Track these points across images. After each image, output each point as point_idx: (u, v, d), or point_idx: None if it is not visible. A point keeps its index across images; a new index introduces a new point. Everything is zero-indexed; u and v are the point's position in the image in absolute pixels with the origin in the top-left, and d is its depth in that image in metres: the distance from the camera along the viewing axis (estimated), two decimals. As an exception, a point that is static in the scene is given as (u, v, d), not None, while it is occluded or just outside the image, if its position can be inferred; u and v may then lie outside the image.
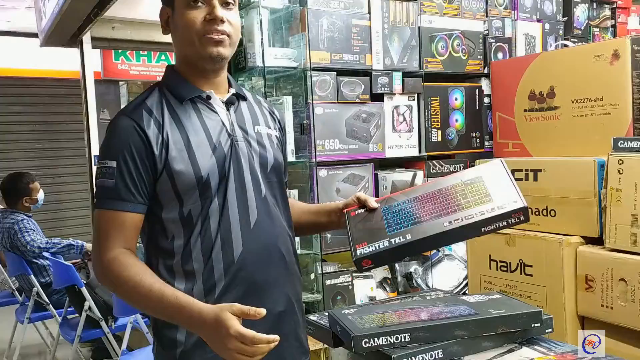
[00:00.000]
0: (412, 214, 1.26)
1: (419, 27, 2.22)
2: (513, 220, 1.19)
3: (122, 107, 1.25)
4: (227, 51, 1.22)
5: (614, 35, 2.80)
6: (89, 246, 3.82)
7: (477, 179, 1.28)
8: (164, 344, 1.21)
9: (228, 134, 1.22)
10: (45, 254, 3.59)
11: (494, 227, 1.19)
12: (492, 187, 1.25)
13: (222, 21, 1.18)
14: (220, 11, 1.18)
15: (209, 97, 1.24)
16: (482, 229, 1.20)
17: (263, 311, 1.03)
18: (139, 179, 1.15)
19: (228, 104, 1.26)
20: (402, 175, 2.18)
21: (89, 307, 3.05)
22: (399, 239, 1.21)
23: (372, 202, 1.34)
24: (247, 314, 1.03)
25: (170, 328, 1.20)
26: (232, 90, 1.28)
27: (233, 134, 1.23)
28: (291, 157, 2.03)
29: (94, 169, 5.09)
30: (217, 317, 1.02)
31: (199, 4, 1.17)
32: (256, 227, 1.22)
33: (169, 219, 1.18)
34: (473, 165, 2.21)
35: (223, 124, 1.23)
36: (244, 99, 1.31)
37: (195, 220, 1.18)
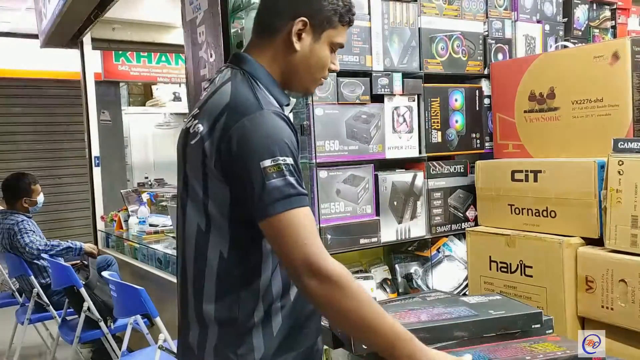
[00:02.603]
0: None
1: (419, 28, 2.22)
2: None
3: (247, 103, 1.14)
4: None
5: (614, 36, 2.80)
6: (87, 248, 3.83)
7: None
8: None
9: None
10: (44, 256, 3.59)
11: None
12: None
13: None
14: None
15: (287, 105, 1.26)
16: None
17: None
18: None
19: None
20: (402, 176, 2.17)
21: (88, 308, 3.05)
22: None
23: None
24: None
25: (248, 347, 1.13)
26: (293, 101, 1.35)
27: None
28: (291, 158, 2.04)
29: (95, 169, 5.13)
30: None
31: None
32: None
33: None
34: (473, 167, 2.21)
35: None
36: None
37: None
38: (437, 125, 2.26)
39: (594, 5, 2.73)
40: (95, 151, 5.01)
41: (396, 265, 2.25)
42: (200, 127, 1.14)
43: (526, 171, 1.93)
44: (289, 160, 1.07)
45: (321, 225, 1.97)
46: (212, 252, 1.15)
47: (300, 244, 1.03)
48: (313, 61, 1.23)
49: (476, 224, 2.20)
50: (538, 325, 1.33)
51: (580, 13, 2.64)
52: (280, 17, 1.21)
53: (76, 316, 3.28)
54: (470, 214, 2.32)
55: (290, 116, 2.02)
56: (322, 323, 1.33)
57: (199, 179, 1.15)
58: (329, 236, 1.99)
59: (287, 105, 1.26)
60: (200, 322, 1.17)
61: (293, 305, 1.18)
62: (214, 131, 1.11)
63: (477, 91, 2.37)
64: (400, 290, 2.22)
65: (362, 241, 2.07)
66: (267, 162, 1.05)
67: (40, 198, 3.90)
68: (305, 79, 1.25)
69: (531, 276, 1.84)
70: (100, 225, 4.92)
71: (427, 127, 2.24)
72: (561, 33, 2.56)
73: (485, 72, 2.38)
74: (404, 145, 2.20)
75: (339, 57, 2.03)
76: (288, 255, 1.04)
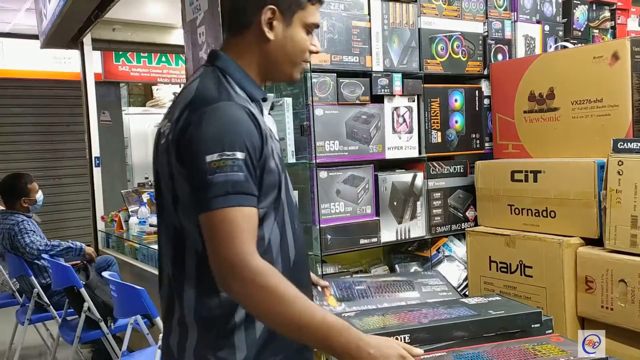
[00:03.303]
0: None
1: (418, 29, 2.22)
2: None
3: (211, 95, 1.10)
4: None
5: (614, 36, 2.80)
6: (87, 249, 3.83)
7: None
8: None
9: (274, 137, 1.21)
10: (44, 256, 3.59)
11: None
12: None
13: None
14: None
15: (264, 100, 1.22)
16: None
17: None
18: (256, 174, 1.06)
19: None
20: (402, 177, 2.18)
21: (88, 308, 3.05)
22: None
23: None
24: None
25: (229, 350, 1.10)
26: (271, 96, 1.29)
27: (277, 139, 1.23)
28: (291, 159, 2.04)
29: (95, 170, 5.12)
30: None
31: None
32: (299, 231, 1.22)
33: None
34: (473, 167, 2.21)
35: (269, 128, 1.20)
36: None
37: (265, 222, 1.11)
38: (437, 126, 2.26)
39: (594, 5, 2.73)
40: (96, 151, 5.01)
41: (396, 266, 2.26)
42: (168, 124, 1.12)
43: (526, 171, 1.93)
44: (239, 155, 1.02)
45: (321, 226, 1.97)
46: (189, 253, 1.12)
47: (229, 244, 0.98)
48: (289, 47, 1.19)
49: (476, 224, 2.21)
50: (538, 325, 1.34)
51: (580, 13, 2.64)
52: (248, 10, 1.18)
53: (76, 316, 3.28)
54: (470, 214, 2.32)
55: (289, 116, 2.03)
56: None
57: (166, 178, 1.12)
58: (328, 236, 1.99)
59: (265, 100, 1.22)
60: (181, 324, 1.14)
61: None
62: (178, 124, 1.09)
63: (476, 91, 2.38)
64: (400, 291, 2.22)
65: (362, 241, 2.07)
66: (214, 157, 1.01)
67: (39, 196, 3.90)
68: (286, 66, 1.21)
69: (531, 276, 1.84)
70: (100, 225, 4.92)
71: (427, 128, 2.24)
72: (561, 33, 2.56)
73: (485, 72, 2.39)
74: (404, 145, 2.20)
75: (339, 58, 2.05)
76: (214, 254, 1.00)
